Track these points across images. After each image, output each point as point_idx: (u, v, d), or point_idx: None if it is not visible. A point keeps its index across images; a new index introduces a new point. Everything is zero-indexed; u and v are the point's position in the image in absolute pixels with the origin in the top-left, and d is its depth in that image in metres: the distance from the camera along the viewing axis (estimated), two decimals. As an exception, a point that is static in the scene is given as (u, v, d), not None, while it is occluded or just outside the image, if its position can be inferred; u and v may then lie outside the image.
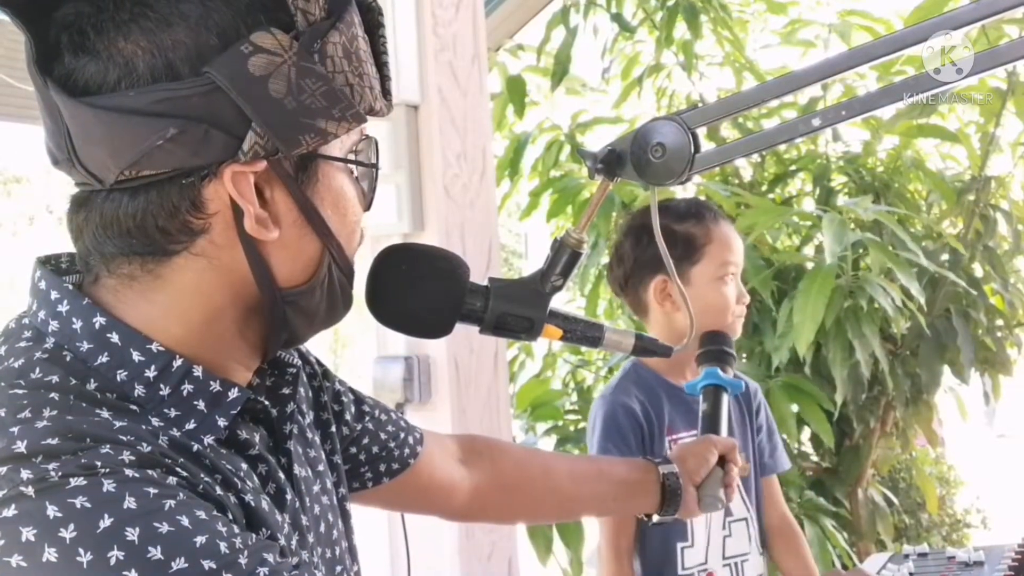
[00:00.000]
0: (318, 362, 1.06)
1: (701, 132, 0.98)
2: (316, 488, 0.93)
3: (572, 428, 3.05)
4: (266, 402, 0.86)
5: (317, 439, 0.98)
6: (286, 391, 0.91)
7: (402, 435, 1.15)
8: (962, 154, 3.32)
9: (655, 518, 1.36)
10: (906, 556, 1.69)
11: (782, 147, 3.01)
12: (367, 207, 0.87)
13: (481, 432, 2.31)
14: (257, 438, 0.85)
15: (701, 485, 1.35)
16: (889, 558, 1.70)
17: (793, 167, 3.33)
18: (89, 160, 0.74)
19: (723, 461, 1.38)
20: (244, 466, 0.81)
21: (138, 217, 0.75)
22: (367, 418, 1.11)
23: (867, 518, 3.10)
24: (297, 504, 0.87)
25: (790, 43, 3.46)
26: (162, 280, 0.77)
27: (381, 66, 0.82)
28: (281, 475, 0.86)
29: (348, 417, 1.08)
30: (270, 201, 0.78)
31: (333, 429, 1.03)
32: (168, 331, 0.78)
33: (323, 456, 0.98)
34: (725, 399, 1.47)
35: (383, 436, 1.12)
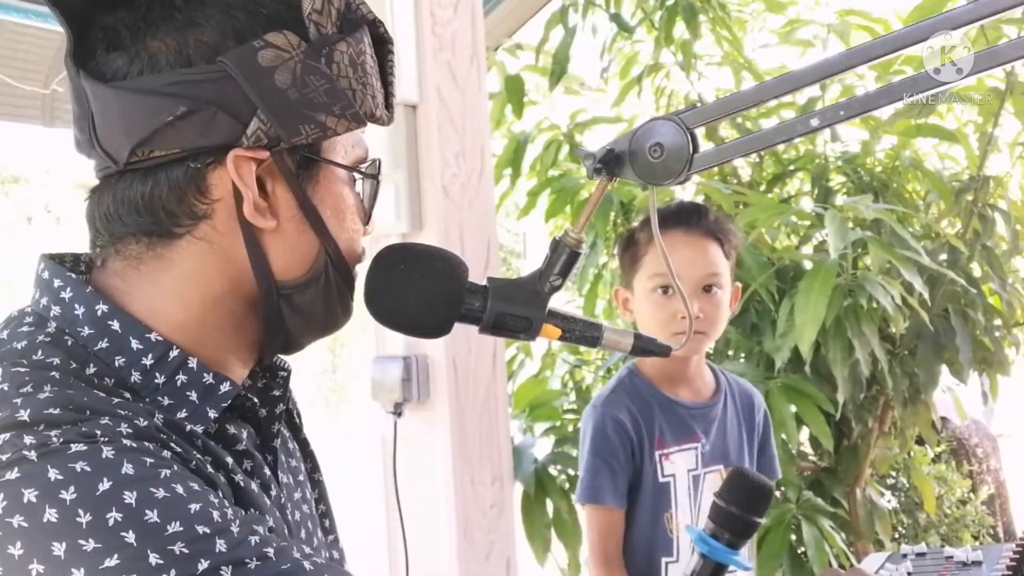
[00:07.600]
0: None
1: (700, 132, 0.98)
2: (297, 495, 0.95)
3: (570, 428, 3.05)
4: (256, 400, 0.89)
5: (298, 452, 1.01)
6: (276, 393, 0.93)
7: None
8: (960, 154, 3.31)
9: None
10: (904, 555, 1.68)
11: (780, 147, 3.01)
12: (366, 221, 0.92)
13: (479, 432, 2.31)
14: (245, 435, 0.87)
15: None
16: (887, 557, 1.69)
17: (791, 167, 3.32)
18: (106, 140, 0.80)
19: None
20: (230, 460, 0.83)
21: (147, 197, 0.80)
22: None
23: (865, 518, 3.10)
24: (283, 500, 0.90)
25: (788, 43, 3.45)
26: (166, 262, 0.82)
27: (387, 84, 0.88)
28: (267, 471, 0.88)
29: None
30: (271, 193, 0.83)
31: (311, 448, 1.05)
32: (170, 315, 0.82)
33: (303, 468, 1.01)
34: None
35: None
